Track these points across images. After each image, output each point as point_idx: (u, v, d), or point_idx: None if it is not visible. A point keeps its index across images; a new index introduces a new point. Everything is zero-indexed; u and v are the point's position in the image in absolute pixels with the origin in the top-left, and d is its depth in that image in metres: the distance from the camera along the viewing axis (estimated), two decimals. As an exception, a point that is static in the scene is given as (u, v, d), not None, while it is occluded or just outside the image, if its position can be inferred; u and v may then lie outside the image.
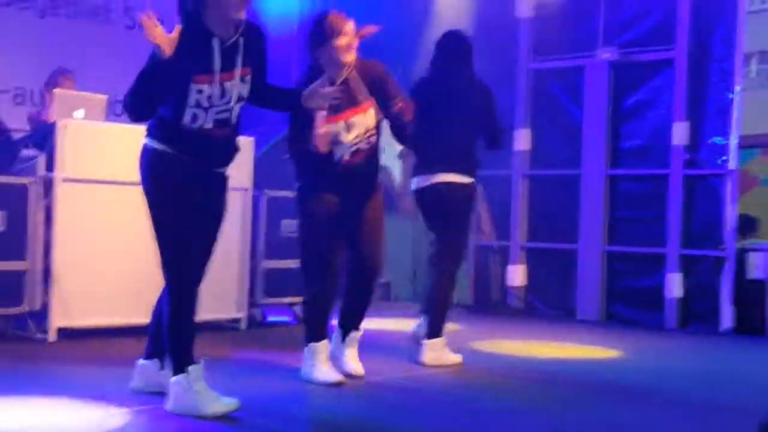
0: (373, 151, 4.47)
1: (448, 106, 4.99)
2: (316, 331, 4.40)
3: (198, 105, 3.50)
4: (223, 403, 3.58)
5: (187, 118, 3.51)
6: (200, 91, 3.48)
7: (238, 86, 3.57)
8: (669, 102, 7.26)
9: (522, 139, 7.98)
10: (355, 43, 4.36)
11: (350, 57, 4.34)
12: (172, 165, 3.55)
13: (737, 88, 6.95)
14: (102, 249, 5.38)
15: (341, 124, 4.33)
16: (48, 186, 5.29)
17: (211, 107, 3.52)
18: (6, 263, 5.17)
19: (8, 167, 5.40)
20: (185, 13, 3.56)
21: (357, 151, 4.38)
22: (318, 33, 4.34)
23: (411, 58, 7.37)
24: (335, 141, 4.31)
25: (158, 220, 3.57)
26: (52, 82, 6.56)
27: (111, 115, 7.38)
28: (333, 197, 4.36)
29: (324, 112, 4.14)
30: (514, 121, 7.99)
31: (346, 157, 4.36)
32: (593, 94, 7.63)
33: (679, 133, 7.16)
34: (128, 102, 3.49)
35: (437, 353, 4.94)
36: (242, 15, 3.52)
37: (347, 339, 4.59)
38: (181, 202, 3.55)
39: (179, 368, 3.56)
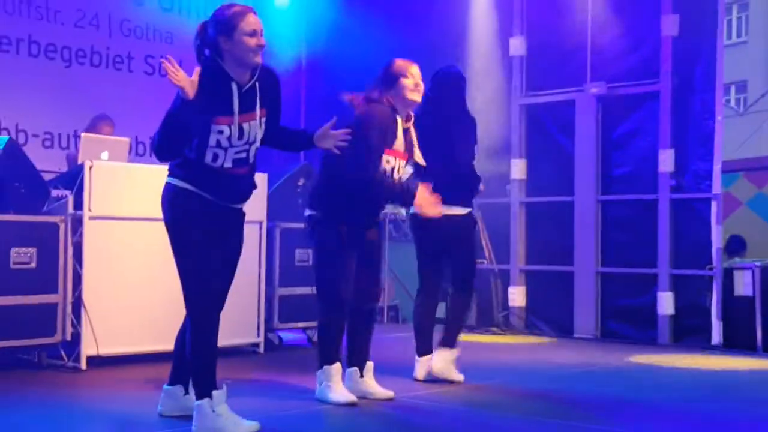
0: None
1: (440, 139, 4.99)
2: (330, 354, 4.42)
3: (218, 145, 3.53)
4: (244, 426, 3.59)
5: (208, 158, 3.54)
6: (220, 132, 3.52)
7: (255, 127, 3.61)
8: (655, 131, 7.31)
9: (518, 169, 8.02)
10: (421, 86, 4.45)
11: (418, 97, 4.43)
12: (192, 201, 3.57)
13: (718, 117, 7.01)
14: (128, 281, 5.43)
15: (402, 162, 4.42)
16: (77, 224, 5.34)
17: (231, 147, 3.55)
18: (39, 297, 5.20)
19: (41, 207, 5.45)
20: (204, 59, 3.61)
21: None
22: (387, 74, 4.44)
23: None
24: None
25: (181, 253, 3.59)
26: (92, 126, 6.63)
27: (133, 155, 7.48)
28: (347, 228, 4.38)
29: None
30: (510, 152, 8.05)
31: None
32: (583, 125, 7.68)
33: (665, 160, 7.21)
34: (156, 143, 3.54)
35: (446, 365, 4.96)
36: (258, 60, 3.58)
37: (365, 371, 4.56)
38: (201, 236, 3.57)
39: (203, 393, 3.57)
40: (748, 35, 21.88)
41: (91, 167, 5.32)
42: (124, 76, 7.99)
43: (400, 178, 4.43)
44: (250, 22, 3.54)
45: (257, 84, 3.62)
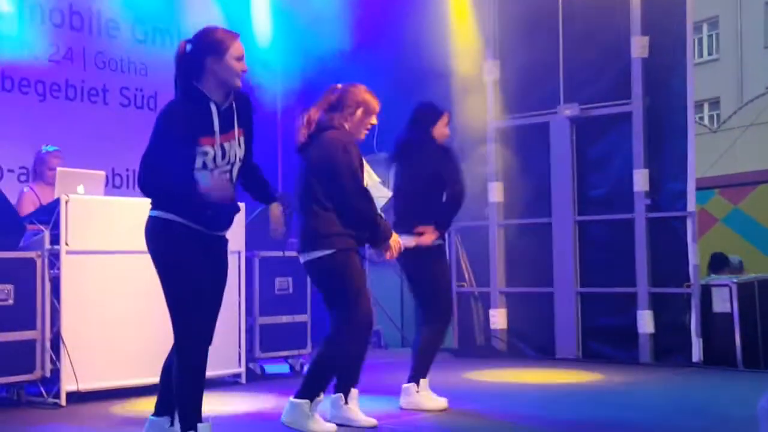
0: None
1: (403, 171, 5.06)
2: (321, 388, 4.39)
3: (204, 166, 3.57)
4: None
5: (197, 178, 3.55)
6: (205, 153, 3.56)
7: (235, 147, 3.66)
8: (629, 151, 7.39)
9: (495, 192, 8.08)
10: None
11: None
12: (178, 232, 3.57)
13: (690, 135, 7.10)
14: (107, 316, 5.41)
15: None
16: (54, 259, 5.33)
17: (216, 168, 3.59)
18: (17, 333, 5.17)
19: (17, 243, 5.43)
20: (183, 85, 3.63)
21: None
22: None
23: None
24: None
25: (169, 285, 3.59)
26: (40, 161, 6.54)
27: (110, 188, 7.46)
28: None
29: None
30: (487, 176, 8.10)
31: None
32: (558, 147, 7.76)
33: (640, 179, 7.29)
34: (148, 183, 3.53)
35: (413, 398, 4.92)
36: (239, 84, 3.65)
37: (350, 398, 4.55)
38: (189, 267, 3.57)
39: (188, 426, 3.57)
40: (719, 53, 22.19)
41: (67, 201, 5.31)
42: (99, 109, 7.98)
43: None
44: (238, 47, 3.64)
45: (233, 104, 3.68)
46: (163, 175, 3.49)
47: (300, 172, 4.44)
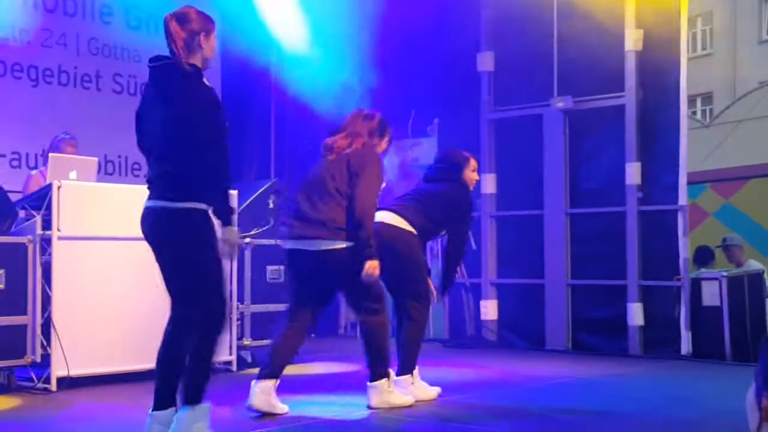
0: None
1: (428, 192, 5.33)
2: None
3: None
4: None
5: None
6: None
7: None
8: (621, 145, 7.41)
9: (488, 184, 8.09)
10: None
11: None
12: (204, 218, 3.67)
13: (683, 130, 7.12)
14: (98, 301, 5.41)
15: None
16: (45, 244, 5.32)
17: None
18: (8, 318, 5.18)
19: (8, 228, 5.42)
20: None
21: None
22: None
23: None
24: None
25: (203, 265, 3.67)
26: (55, 148, 6.57)
27: (102, 174, 7.45)
28: None
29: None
30: (480, 167, 8.08)
31: None
32: (551, 140, 7.77)
33: (632, 173, 7.31)
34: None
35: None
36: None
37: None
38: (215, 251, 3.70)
39: (189, 402, 3.62)
40: (712, 47, 22.22)
41: (59, 187, 5.30)
42: (92, 95, 7.97)
43: None
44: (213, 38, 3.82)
45: None
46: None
47: (326, 164, 4.66)
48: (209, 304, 3.68)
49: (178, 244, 3.66)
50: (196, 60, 3.72)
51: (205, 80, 3.72)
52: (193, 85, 3.66)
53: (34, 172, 6.65)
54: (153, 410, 3.69)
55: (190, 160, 3.60)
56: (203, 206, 3.64)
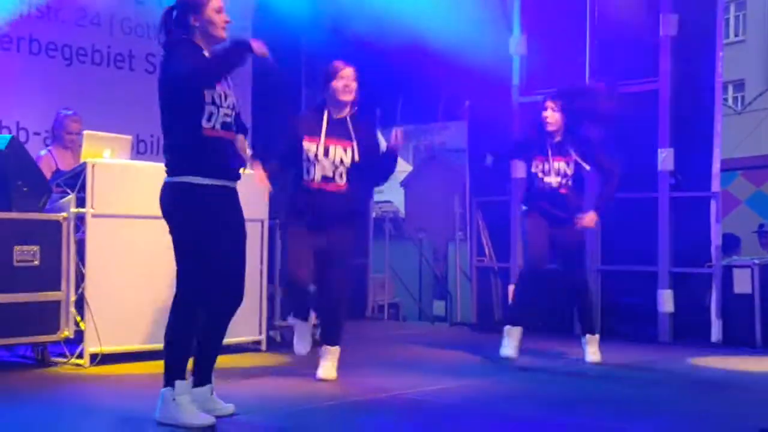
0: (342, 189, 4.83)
1: None
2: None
3: (213, 102, 3.71)
4: (199, 419, 3.68)
5: (205, 117, 3.69)
6: (213, 87, 3.71)
7: (231, 95, 3.82)
8: (654, 130, 7.32)
9: (518, 168, 8.02)
10: (353, 86, 4.88)
11: (346, 97, 4.88)
12: (194, 194, 3.68)
13: (717, 116, 7.02)
14: (130, 278, 5.44)
15: (321, 147, 4.79)
16: (79, 221, 5.36)
17: (221, 106, 3.74)
18: (42, 294, 5.22)
19: (43, 205, 5.45)
20: (174, 38, 3.79)
21: (328, 178, 4.80)
22: (324, 75, 4.95)
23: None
24: (311, 159, 4.80)
25: (184, 246, 3.72)
26: (59, 124, 6.59)
27: (135, 153, 7.48)
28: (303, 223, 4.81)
29: None
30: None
31: (317, 177, 4.80)
32: (584, 124, 7.68)
33: (665, 159, 7.23)
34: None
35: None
36: (224, 35, 3.81)
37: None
38: (206, 228, 3.68)
39: (167, 381, 3.68)
40: (745, 34, 21.92)
41: (93, 165, 5.33)
42: (125, 75, 7.98)
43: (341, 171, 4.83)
44: (215, 4, 3.78)
45: None
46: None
47: None
48: (178, 284, 3.73)
49: (166, 218, 3.76)
50: (195, 37, 3.74)
51: (182, 48, 3.70)
52: (164, 57, 3.76)
53: (43, 152, 6.64)
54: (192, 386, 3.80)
55: (165, 134, 3.78)
56: (193, 179, 3.67)
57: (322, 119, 4.86)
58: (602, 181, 5.89)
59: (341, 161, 4.81)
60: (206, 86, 3.67)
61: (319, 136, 4.81)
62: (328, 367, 4.90)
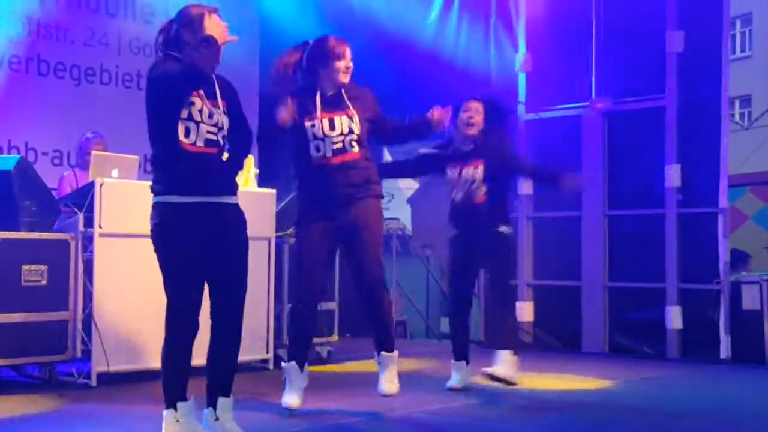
0: (357, 158, 4.51)
1: None
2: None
3: (190, 117, 3.64)
4: None
5: (182, 133, 3.63)
6: (192, 103, 3.64)
7: (220, 114, 3.73)
8: (661, 146, 7.32)
9: (525, 185, 8.03)
10: (351, 67, 4.56)
11: (346, 79, 4.55)
12: (171, 215, 3.63)
13: (724, 131, 7.02)
14: (138, 298, 5.43)
15: (323, 121, 4.47)
16: (87, 241, 5.37)
17: (202, 123, 3.66)
18: (50, 314, 5.22)
19: (51, 225, 5.47)
20: (164, 54, 3.78)
21: (340, 149, 4.47)
22: (319, 54, 4.54)
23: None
24: (318, 136, 4.46)
25: (161, 263, 3.70)
26: (84, 148, 6.65)
27: (142, 172, 7.50)
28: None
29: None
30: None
31: (328, 153, 4.47)
32: (590, 141, 7.70)
33: (672, 175, 7.22)
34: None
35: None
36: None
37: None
38: (187, 247, 3.63)
39: (167, 403, 3.65)
40: (752, 49, 21.91)
41: (101, 185, 5.35)
42: (133, 94, 8.02)
43: (351, 139, 4.49)
44: (211, 21, 3.70)
45: (215, 79, 3.77)
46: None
47: None
48: (166, 305, 3.70)
49: (152, 239, 3.72)
50: (183, 53, 3.70)
51: (165, 63, 3.69)
52: (149, 74, 3.71)
53: (66, 172, 6.71)
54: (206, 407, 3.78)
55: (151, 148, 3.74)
56: (170, 198, 3.62)
57: (314, 98, 4.51)
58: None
59: (350, 130, 4.47)
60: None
61: (313, 113, 4.48)
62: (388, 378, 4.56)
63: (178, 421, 3.62)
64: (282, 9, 8.35)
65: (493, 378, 5.05)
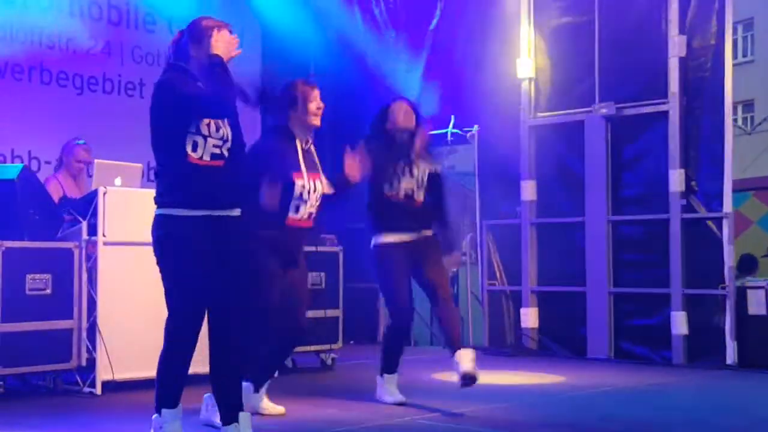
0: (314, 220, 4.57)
1: None
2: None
3: (198, 131, 3.65)
4: None
5: (189, 146, 3.64)
6: (199, 117, 3.67)
7: (226, 128, 3.75)
8: (664, 151, 7.32)
9: (528, 190, 8.03)
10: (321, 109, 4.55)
11: (318, 122, 4.55)
12: (173, 227, 3.64)
13: (728, 136, 7.02)
14: (143, 306, 5.43)
15: (310, 183, 4.46)
16: (91, 249, 5.37)
17: (210, 137, 3.67)
18: (54, 322, 5.23)
19: (55, 233, 5.48)
20: (171, 66, 3.81)
21: (310, 214, 4.51)
22: (289, 97, 4.52)
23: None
24: (300, 198, 4.43)
25: (168, 276, 3.71)
26: (69, 151, 6.64)
27: (145, 181, 7.51)
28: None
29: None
30: (520, 174, 8.06)
31: (305, 217, 4.47)
32: (593, 146, 7.70)
33: (676, 180, 7.21)
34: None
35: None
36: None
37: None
38: (190, 259, 3.64)
39: (157, 408, 3.68)
40: (754, 54, 21.92)
41: (104, 193, 5.35)
42: (135, 103, 8.04)
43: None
44: (220, 36, 3.70)
45: None
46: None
47: None
48: (168, 315, 3.71)
49: (153, 250, 3.73)
50: (193, 67, 3.73)
51: (169, 76, 3.71)
52: (156, 86, 3.73)
53: (49, 177, 6.65)
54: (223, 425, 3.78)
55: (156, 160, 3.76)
56: (173, 211, 3.64)
57: (295, 150, 4.48)
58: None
59: (321, 195, 4.52)
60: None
61: (301, 170, 4.46)
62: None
63: (161, 427, 3.66)
64: (283, 14, 8.37)
65: (470, 378, 4.81)
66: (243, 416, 3.73)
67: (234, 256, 3.74)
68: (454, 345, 4.78)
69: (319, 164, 4.59)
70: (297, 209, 4.43)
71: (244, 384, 3.98)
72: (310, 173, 4.49)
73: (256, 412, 4.42)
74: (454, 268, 5.34)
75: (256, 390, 4.53)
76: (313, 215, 4.51)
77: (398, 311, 4.88)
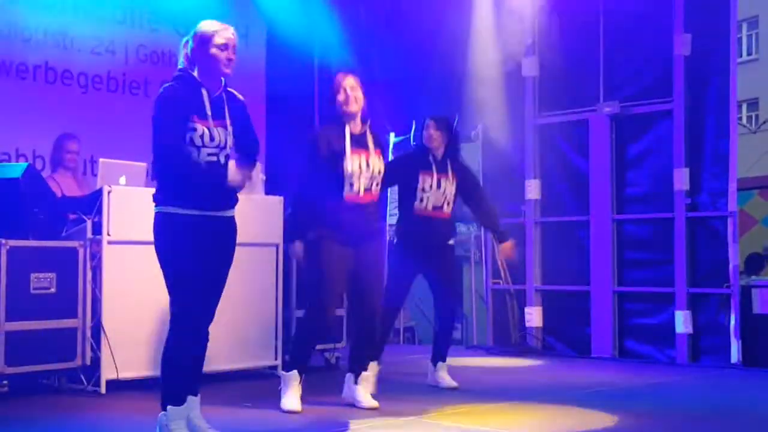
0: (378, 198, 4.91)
1: None
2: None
3: (191, 142, 3.74)
4: None
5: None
6: (194, 129, 3.74)
7: (224, 134, 3.83)
8: (669, 150, 7.30)
9: (533, 189, 8.02)
10: (358, 95, 4.83)
11: (353, 108, 4.81)
12: (173, 224, 3.73)
13: (732, 135, 7.00)
14: (147, 305, 5.43)
15: (356, 161, 4.76)
16: (96, 248, 5.37)
17: (203, 147, 3.75)
18: (59, 321, 5.22)
19: (59, 232, 5.48)
20: (179, 69, 3.91)
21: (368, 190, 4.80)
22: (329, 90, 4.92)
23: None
24: (353, 173, 4.76)
25: (169, 275, 3.80)
26: (58, 146, 6.67)
27: (150, 179, 7.51)
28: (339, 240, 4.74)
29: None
30: (525, 173, 8.05)
31: (360, 192, 4.76)
32: (597, 145, 7.69)
33: (680, 178, 7.20)
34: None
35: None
36: (227, 71, 3.85)
37: (360, 379, 4.87)
38: (189, 258, 3.73)
39: (163, 404, 3.75)
40: (758, 53, 21.87)
41: (109, 192, 5.35)
42: (140, 101, 8.02)
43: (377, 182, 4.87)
44: (221, 37, 3.81)
45: (224, 95, 3.89)
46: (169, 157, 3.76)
47: None
48: (171, 309, 3.78)
49: (155, 247, 3.82)
50: (196, 71, 3.83)
51: (174, 81, 3.81)
52: (159, 94, 3.82)
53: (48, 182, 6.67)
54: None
55: (153, 162, 3.87)
56: (172, 209, 3.73)
57: (344, 134, 4.79)
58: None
59: (379, 171, 4.84)
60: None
61: (354, 149, 4.77)
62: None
63: (167, 425, 3.73)
64: (288, 13, 8.36)
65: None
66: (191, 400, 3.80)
67: (225, 252, 3.87)
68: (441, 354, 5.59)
69: (372, 146, 4.85)
70: (351, 186, 4.73)
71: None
72: (356, 151, 4.75)
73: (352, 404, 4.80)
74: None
75: (356, 381, 4.87)
76: (371, 191, 4.80)
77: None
